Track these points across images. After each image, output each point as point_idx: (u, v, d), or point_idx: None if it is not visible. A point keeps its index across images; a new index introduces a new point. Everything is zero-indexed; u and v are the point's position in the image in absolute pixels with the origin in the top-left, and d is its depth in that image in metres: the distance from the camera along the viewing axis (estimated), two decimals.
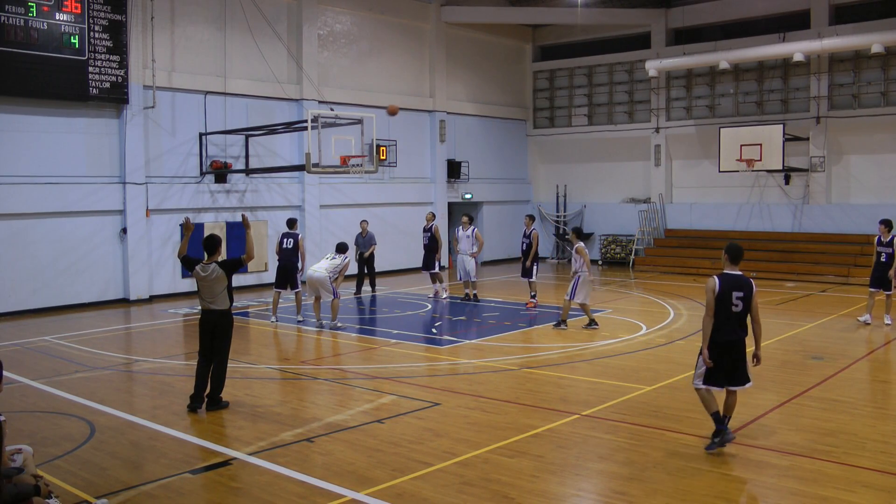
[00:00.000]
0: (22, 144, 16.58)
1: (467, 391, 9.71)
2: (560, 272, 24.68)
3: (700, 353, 7.34)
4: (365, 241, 19.08)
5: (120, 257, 18.23)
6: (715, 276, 7.33)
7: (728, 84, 25.18)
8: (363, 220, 19.72)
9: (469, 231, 17.59)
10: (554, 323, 14.25)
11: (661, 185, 26.41)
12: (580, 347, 12.38)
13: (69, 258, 17.34)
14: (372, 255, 19.12)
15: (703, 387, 7.34)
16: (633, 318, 15.29)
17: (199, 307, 9.11)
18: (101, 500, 6.24)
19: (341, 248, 14.74)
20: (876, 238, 14.44)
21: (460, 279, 18.12)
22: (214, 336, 8.98)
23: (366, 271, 19.28)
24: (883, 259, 14.02)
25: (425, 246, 18.28)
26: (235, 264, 9.06)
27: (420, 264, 18.91)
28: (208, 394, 9.03)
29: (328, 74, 22.46)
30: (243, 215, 9.59)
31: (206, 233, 19.33)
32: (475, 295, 17.63)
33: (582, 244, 14.14)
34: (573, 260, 14.18)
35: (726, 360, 7.25)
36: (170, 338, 14.21)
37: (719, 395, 7.45)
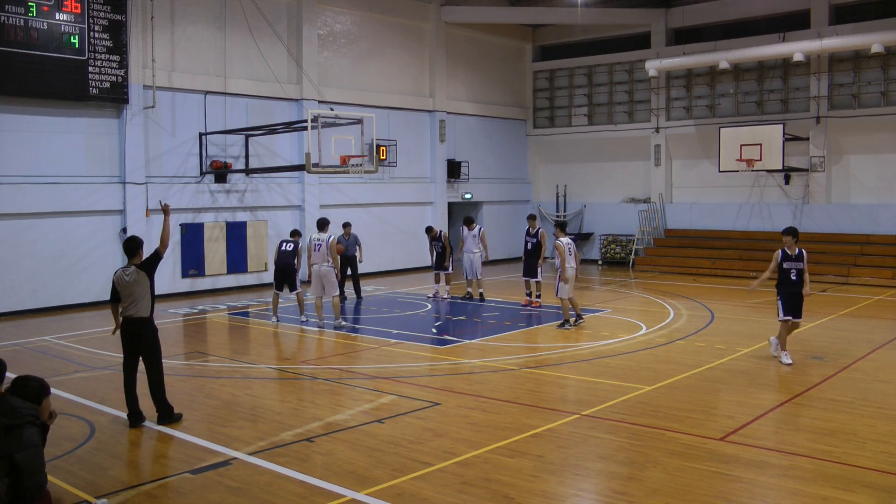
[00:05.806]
0: (22, 144, 16.57)
1: (467, 391, 9.71)
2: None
3: None
4: (349, 243, 17.70)
5: (120, 257, 18.18)
6: None
7: (728, 84, 25.17)
8: (346, 223, 18.05)
9: (475, 230, 17.89)
10: (558, 323, 14.27)
11: (661, 185, 26.41)
12: (580, 347, 12.39)
13: (69, 258, 17.34)
14: (356, 258, 17.80)
15: None
16: (633, 318, 15.28)
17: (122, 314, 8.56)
18: (101, 500, 6.24)
19: (321, 225, 14.62)
20: (778, 253, 11.00)
21: (466, 278, 18.19)
22: (139, 347, 8.44)
23: (349, 273, 17.87)
24: (793, 277, 10.86)
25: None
26: (155, 259, 8.46)
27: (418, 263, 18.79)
28: (156, 409, 8.47)
29: (328, 74, 22.46)
30: (162, 202, 8.87)
31: (206, 234, 19.71)
32: (481, 294, 17.75)
33: (558, 241, 14.24)
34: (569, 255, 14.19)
35: None
36: (169, 338, 14.17)
37: None
